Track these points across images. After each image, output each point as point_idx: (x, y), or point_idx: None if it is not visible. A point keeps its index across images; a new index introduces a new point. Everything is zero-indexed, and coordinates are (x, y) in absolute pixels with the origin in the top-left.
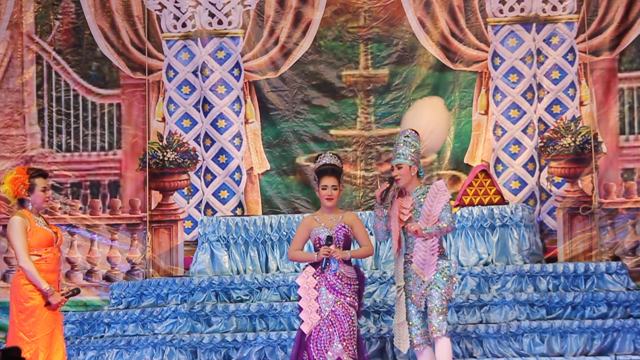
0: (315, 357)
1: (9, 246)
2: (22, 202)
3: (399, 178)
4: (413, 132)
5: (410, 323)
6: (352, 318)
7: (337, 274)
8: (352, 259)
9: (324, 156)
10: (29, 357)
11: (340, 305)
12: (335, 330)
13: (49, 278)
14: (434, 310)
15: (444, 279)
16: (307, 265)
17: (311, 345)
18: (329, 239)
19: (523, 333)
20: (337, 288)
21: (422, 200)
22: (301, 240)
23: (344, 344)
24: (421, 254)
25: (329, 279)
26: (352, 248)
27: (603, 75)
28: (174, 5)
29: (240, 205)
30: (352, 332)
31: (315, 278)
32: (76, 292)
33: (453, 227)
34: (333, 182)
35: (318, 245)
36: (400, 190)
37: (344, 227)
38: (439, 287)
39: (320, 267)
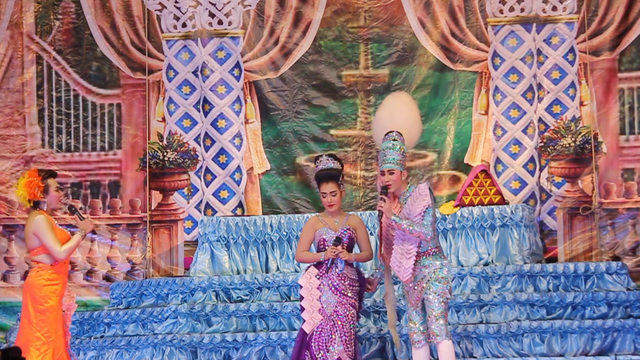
0: (316, 356)
1: (28, 246)
2: (36, 205)
3: (390, 184)
4: (397, 133)
5: (410, 321)
6: (353, 319)
7: (341, 274)
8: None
9: (320, 160)
10: (43, 357)
11: (342, 306)
12: (337, 330)
13: (59, 279)
14: (432, 315)
15: (437, 281)
16: (309, 266)
17: (313, 344)
18: (337, 240)
19: (523, 333)
20: (339, 289)
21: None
22: (308, 241)
23: (345, 345)
24: (397, 256)
25: (332, 280)
26: (353, 252)
27: (603, 75)
28: (174, 5)
29: (240, 205)
30: (351, 333)
31: (318, 279)
32: (73, 210)
33: (428, 236)
34: (331, 189)
35: (322, 246)
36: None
37: (349, 229)
38: (434, 291)
39: (325, 266)
